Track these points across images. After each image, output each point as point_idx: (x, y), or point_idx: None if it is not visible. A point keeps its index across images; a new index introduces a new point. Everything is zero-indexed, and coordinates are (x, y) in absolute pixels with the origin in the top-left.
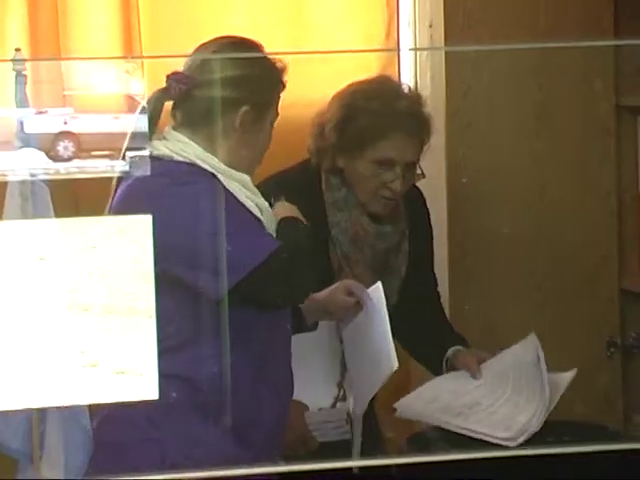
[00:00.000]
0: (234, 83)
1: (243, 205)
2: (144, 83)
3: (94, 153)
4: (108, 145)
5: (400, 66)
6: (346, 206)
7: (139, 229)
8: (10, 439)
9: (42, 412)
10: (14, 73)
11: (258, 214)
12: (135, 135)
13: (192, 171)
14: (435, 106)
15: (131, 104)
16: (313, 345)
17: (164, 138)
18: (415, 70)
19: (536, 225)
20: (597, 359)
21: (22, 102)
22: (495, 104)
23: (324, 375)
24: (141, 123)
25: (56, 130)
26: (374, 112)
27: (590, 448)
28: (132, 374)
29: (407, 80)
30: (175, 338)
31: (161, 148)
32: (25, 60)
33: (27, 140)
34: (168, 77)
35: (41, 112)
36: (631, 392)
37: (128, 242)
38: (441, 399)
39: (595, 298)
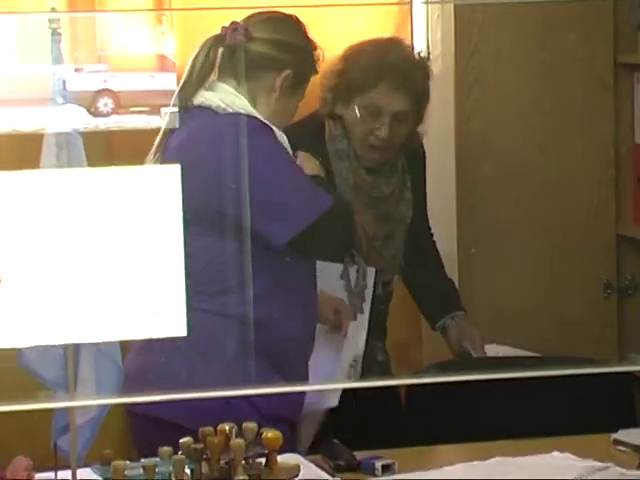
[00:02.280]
0: (284, 47)
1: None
2: (176, 44)
3: (132, 109)
4: (145, 102)
5: (412, 25)
6: (346, 157)
7: (171, 178)
8: (47, 371)
9: (77, 347)
10: (50, 31)
11: None
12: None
13: (250, 123)
14: (445, 63)
15: (165, 63)
16: None
17: (210, 89)
18: (427, 29)
19: (539, 175)
20: (594, 300)
21: (58, 59)
22: (501, 62)
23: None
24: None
25: (96, 88)
26: (365, 63)
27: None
28: (164, 314)
29: (419, 38)
30: (222, 282)
31: (213, 99)
32: (61, 13)
33: (68, 97)
34: (225, 27)
35: (77, 69)
36: (625, 331)
37: (162, 192)
38: None
39: (593, 243)
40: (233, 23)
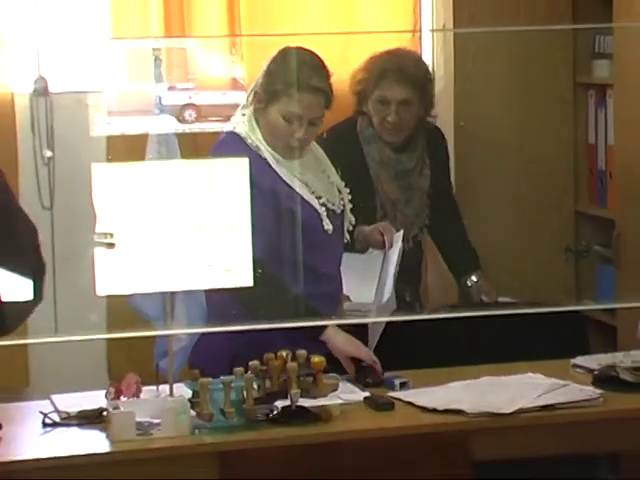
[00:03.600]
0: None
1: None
2: (245, 69)
3: (210, 118)
4: (219, 113)
5: (422, 51)
6: (373, 140)
7: (241, 168)
8: (151, 310)
9: (173, 293)
10: (153, 58)
11: None
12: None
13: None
14: (446, 80)
15: (235, 84)
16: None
17: (243, 114)
18: (432, 54)
19: (518, 166)
20: (558, 260)
21: (158, 79)
22: (488, 81)
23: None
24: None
25: (184, 102)
26: (374, 68)
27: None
28: (235, 271)
29: (428, 60)
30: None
31: (240, 124)
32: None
33: (163, 109)
34: None
35: (171, 87)
36: (581, 282)
37: (234, 178)
38: None
39: (557, 217)
40: None
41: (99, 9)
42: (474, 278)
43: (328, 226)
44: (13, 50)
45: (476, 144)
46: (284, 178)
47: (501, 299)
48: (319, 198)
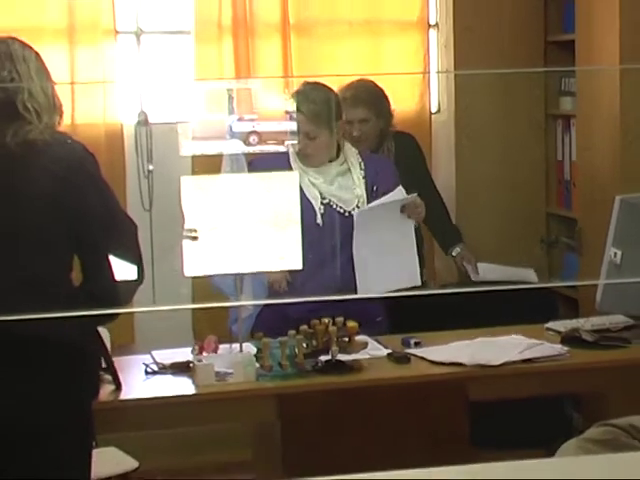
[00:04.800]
0: None
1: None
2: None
3: (268, 142)
4: (276, 138)
5: (430, 90)
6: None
7: (292, 181)
8: (226, 287)
9: (242, 275)
10: (227, 95)
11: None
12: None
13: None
14: (449, 113)
15: (287, 116)
16: None
17: None
18: (438, 92)
19: (503, 178)
20: (534, 249)
21: (230, 112)
22: (480, 114)
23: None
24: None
25: (248, 130)
26: (341, 96)
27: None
28: (287, 259)
29: (434, 98)
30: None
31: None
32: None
33: (234, 135)
34: None
35: (240, 118)
36: (551, 267)
37: (285, 188)
38: None
39: (534, 216)
40: None
41: (186, 58)
42: (458, 249)
43: (319, 220)
44: (122, 91)
45: (473, 159)
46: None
47: (480, 264)
48: (323, 199)
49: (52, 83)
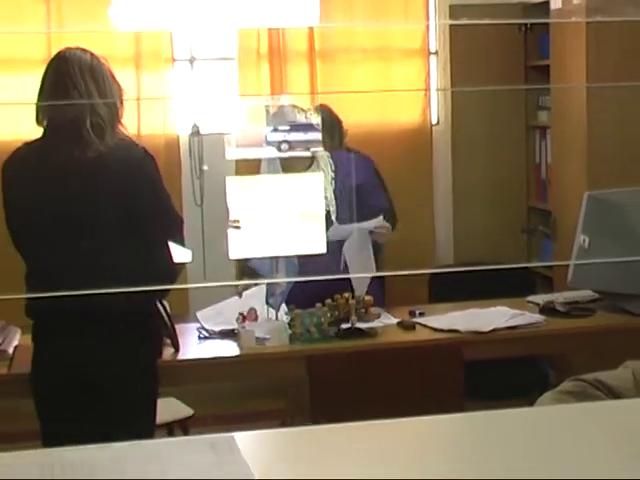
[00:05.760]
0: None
1: None
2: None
3: (297, 149)
4: (303, 145)
5: (430, 106)
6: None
7: (318, 180)
8: (263, 267)
9: (277, 257)
10: (264, 109)
11: None
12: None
13: None
14: (446, 128)
15: (312, 127)
16: None
17: None
18: (437, 108)
19: (493, 178)
20: (517, 237)
21: (267, 124)
22: (474, 129)
23: None
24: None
25: (281, 139)
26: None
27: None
28: (313, 244)
29: (434, 114)
30: None
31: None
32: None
33: (269, 143)
34: None
35: (274, 129)
36: (530, 252)
37: (313, 186)
38: None
39: (516, 209)
40: None
41: (231, 80)
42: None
43: None
44: (178, 107)
45: (466, 162)
46: None
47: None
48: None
49: (121, 91)
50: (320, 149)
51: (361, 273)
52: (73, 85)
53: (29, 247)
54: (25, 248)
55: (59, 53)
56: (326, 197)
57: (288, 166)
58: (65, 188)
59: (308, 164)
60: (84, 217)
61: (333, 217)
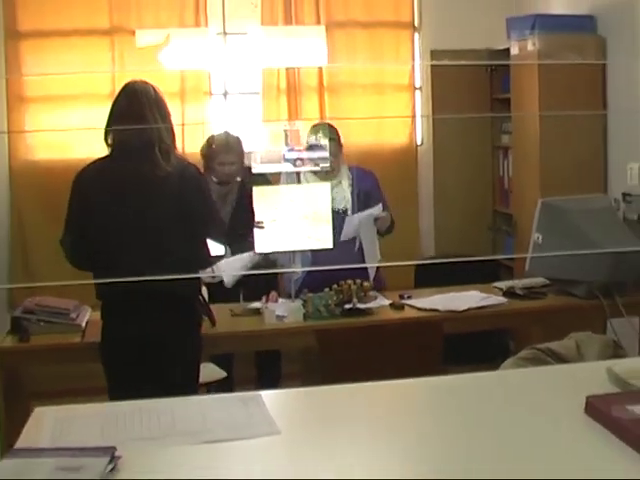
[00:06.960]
0: None
1: None
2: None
3: (307, 165)
4: (310, 163)
5: (416, 128)
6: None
7: (325, 189)
8: (282, 259)
9: (293, 251)
10: (283, 133)
11: None
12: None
13: None
14: (428, 147)
15: (321, 147)
16: None
17: None
18: (421, 131)
19: (465, 187)
20: (483, 235)
21: (284, 144)
22: (451, 143)
23: None
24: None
25: (296, 157)
26: (214, 146)
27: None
28: (322, 241)
29: (419, 135)
30: None
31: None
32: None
33: (287, 160)
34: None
35: (290, 149)
36: (496, 247)
37: (321, 194)
38: None
39: (484, 212)
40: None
41: (256, 109)
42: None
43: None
44: (214, 130)
45: (444, 175)
46: None
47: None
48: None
49: (170, 117)
50: (327, 165)
51: (372, 254)
52: (143, 114)
53: (101, 242)
54: (98, 243)
55: (128, 84)
56: (344, 197)
57: (322, 177)
58: (137, 197)
59: (335, 175)
60: (151, 220)
61: (349, 212)
